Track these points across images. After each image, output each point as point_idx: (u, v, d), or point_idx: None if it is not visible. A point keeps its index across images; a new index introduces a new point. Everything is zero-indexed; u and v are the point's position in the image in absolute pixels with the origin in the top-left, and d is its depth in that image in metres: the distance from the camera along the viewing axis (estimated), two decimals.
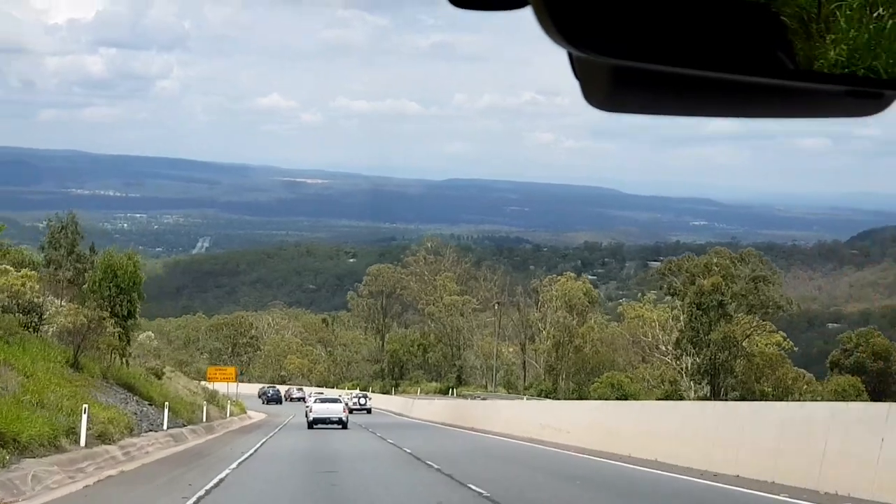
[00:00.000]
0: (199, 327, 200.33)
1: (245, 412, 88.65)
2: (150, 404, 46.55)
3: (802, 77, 2.56)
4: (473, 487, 23.84)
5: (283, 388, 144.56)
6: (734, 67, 2.50)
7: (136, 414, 43.32)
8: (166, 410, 44.72)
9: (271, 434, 54.01)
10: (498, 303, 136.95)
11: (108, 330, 47.28)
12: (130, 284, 51.54)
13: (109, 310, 49.87)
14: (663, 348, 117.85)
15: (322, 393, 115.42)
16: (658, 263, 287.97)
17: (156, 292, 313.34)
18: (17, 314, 43.98)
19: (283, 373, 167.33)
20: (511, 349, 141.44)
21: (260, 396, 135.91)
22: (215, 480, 25.62)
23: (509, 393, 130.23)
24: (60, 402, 32.08)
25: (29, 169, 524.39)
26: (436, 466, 30.55)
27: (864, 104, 2.67)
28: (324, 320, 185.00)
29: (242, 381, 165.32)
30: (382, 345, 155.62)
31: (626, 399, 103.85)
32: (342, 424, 63.99)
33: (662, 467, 31.45)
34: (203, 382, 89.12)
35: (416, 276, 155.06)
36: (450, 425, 70.51)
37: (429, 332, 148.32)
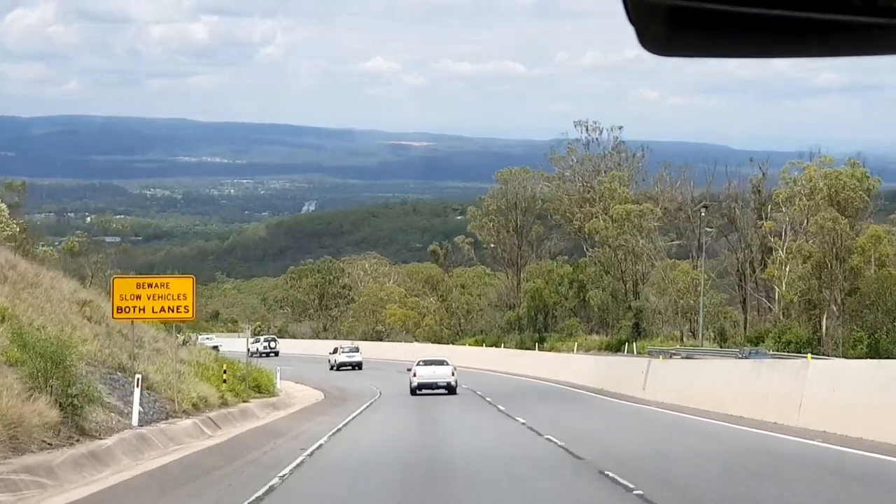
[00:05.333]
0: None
1: (273, 393, 36.60)
2: None
3: (867, 12, 2.25)
4: None
5: (367, 346, 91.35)
6: (794, 4, 2.23)
7: None
8: None
9: None
10: (705, 205, 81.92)
11: None
12: None
13: None
14: None
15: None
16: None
17: (259, 254, 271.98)
18: None
19: (378, 327, 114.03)
20: (711, 282, 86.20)
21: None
22: None
23: (722, 347, 76.21)
24: None
25: (137, 138, 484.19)
26: None
27: None
28: (433, 252, 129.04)
29: (326, 339, 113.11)
30: (518, 283, 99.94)
31: None
32: (449, 391, 47.36)
33: None
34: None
35: (564, 181, 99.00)
36: None
37: (586, 262, 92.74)
